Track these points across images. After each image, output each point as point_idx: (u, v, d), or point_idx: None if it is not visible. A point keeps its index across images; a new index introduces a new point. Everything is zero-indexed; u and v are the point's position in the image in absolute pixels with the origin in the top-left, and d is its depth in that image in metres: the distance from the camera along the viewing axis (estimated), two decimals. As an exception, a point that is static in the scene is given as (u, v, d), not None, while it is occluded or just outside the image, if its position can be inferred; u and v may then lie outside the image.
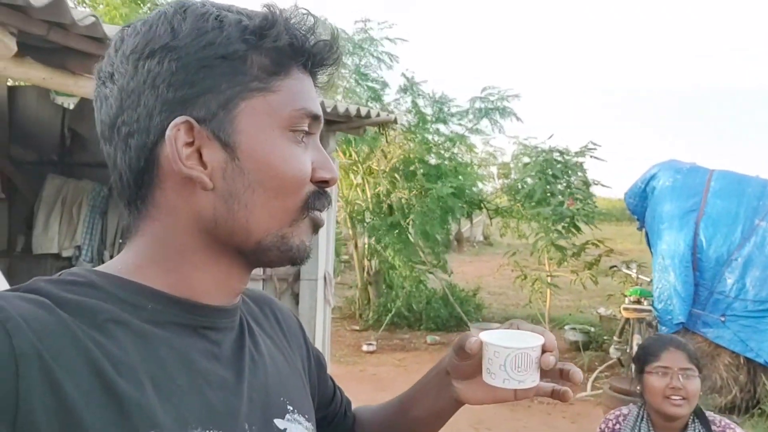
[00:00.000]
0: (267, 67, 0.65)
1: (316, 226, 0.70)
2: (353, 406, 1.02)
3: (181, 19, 0.64)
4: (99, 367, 0.55)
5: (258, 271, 4.05)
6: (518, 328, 0.80)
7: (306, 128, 0.67)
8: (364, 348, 8.18)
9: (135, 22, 0.67)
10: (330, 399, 0.96)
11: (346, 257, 11.67)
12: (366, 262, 9.84)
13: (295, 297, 4.21)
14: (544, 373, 0.76)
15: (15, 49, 2.04)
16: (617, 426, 2.03)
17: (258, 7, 0.68)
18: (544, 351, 0.76)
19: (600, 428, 2.07)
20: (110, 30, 2.09)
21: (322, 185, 0.70)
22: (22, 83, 4.59)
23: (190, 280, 0.66)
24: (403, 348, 8.50)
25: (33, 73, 2.27)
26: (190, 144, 0.63)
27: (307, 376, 0.85)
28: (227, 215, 0.64)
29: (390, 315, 9.02)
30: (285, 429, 0.71)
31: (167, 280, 0.65)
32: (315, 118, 0.68)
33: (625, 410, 2.07)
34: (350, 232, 9.64)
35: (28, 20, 2.02)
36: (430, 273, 9.13)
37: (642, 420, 1.99)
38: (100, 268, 0.66)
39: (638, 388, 2.00)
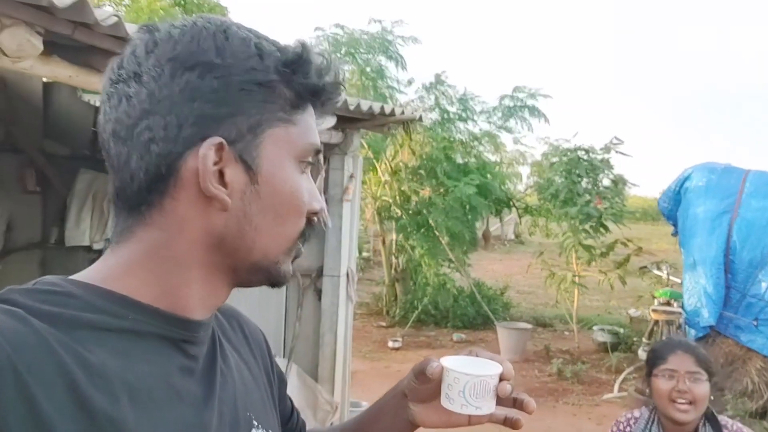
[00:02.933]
0: (291, 100, 0.68)
1: (297, 256, 0.73)
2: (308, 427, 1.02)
3: (223, 38, 0.65)
4: (73, 379, 0.54)
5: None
6: (477, 356, 0.82)
7: (311, 160, 0.72)
8: (390, 344, 8.21)
9: (165, 26, 0.66)
10: (287, 418, 0.95)
11: (366, 254, 11.68)
12: (393, 259, 9.86)
13: (318, 293, 4.24)
14: (500, 401, 0.79)
15: (41, 48, 2.10)
16: (627, 429, 2.02)
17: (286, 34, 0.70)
18: (501, 379, 0.78)
19: (611, 430, 2.06)
20: (132, 29, 2.14)
21: (313, 216, 0.72)
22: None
23: (177, 292, 0.66)
24: (429, 345, 8.50)
25: (59, 71, 2.34)
26: (217, 163, 0.64)
27: (271, 391, 0.86)
28: (237, 234, 0.66)
29: (416, 312, 9.03)
30: None
31: (153, 290, 0.64)
32: (318, 152, 0.73)
33: (636, 413, 2.05)
34: (378, 228, 9.68)
35: (54, 20, 2.08)
36: (458, 271, 9.11)
37: (653, 423, 1.97)
38: (77, 276, 0.65)
39: (647, 391, 1.98)
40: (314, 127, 0.72)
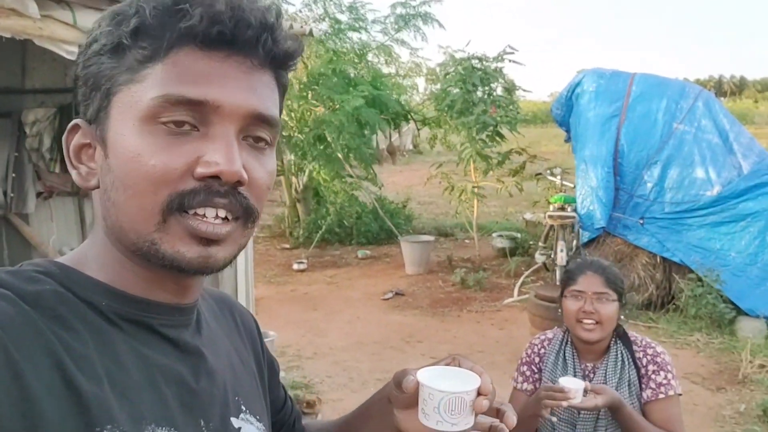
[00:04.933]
0: (142, 56, 0.61)
1: (194, 234, 0.62)
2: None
3: (104, 17, 0.64)
4: (59, 359, 0.55)
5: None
6: (459, 364, 0.79)
7: (181, 117, 0.60)
8: (295, 267, 8.11)
9: None
10: (281, 406, 0.95)
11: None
12: (293, 179, 9.62)
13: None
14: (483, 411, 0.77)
15: None
16: (542, 350, 2.01)
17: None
18: (479, 393, 0.75)
19: (526, 353, 2.04)
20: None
21: (212, 181, 0.61)
22: None
23: (133, 277, 0.65)
24: (335, 264, 8.48)
25: None
26: (89, 145, 0.66)
27: (261, 379, 0.85)
28: (107, 213, 0.64)
29: (321, 232, 8.94)
30: (240, 428, 0.72)
31: (118, 275, 0.65)
32: (193, 103, 0.60)
33: (549, 334, 2.05)
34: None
35: None
36: (359, 189, 9.02)
37: (566, 344, 1.96)
38: (62, 259, 0.67)
39: (560, 311, 1.96)
40: (181, 74, 0.60)
